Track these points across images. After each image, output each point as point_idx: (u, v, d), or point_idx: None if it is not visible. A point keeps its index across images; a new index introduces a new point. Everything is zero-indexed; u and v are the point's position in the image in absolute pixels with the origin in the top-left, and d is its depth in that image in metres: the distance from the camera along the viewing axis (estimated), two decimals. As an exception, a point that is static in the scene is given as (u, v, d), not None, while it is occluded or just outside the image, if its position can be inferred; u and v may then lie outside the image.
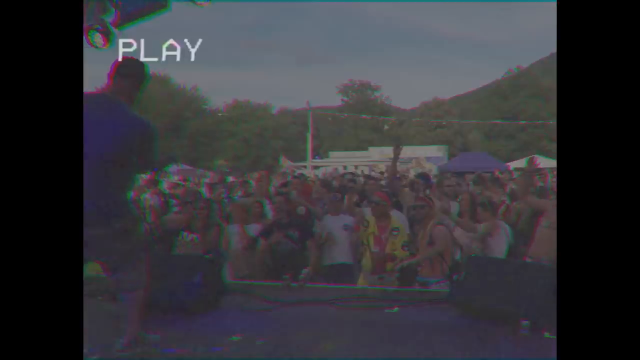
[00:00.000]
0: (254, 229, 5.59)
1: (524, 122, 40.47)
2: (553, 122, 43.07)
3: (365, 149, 40.43)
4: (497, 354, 2.84)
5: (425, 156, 30.32)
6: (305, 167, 29.57)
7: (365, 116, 42.14)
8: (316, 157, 39.11)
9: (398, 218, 5.50)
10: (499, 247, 5.44)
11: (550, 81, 50.53)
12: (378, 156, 31.85)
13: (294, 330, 3.32)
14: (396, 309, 3.73)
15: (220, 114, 48.41)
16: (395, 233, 5.03)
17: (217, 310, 3.76)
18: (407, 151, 30.38)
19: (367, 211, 5.71)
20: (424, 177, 7.31)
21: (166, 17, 3.97)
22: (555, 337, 2.22)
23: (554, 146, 42.07)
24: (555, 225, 4.52)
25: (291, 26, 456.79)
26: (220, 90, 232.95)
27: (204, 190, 9.23)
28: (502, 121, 41.87)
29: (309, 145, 33.08)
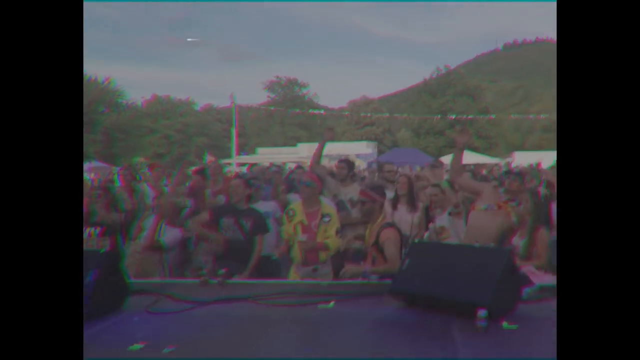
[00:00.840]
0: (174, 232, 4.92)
1: (453, 116, 41.36)
2: (481, 118, 44.93)
3: (294, 145, 39.71)
4: (453, 350, 2.43)
5: (355, 153, 30.25)
6: (230, 164, 28.33)
7: (297, 111, 41.47)
8: (242, 153, 38.00)
9: (328, 204, 4.94)
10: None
11: (476, 80, 52.41)
12: (307, 152, 31.27)
13: (211, 334, 2.75)
14: (332, 303, 3.20)
15: (138, 109, 46.04)
16: (326, 220, 4.55)
17: (116, 315, 3.06)
18: (336, 147, 30.18)
19: (295, 199, 5.41)
20: (347, 162, 6.33)
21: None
22: (515, 326, 2.52)
23: (481, 142, 43.67)
24: (493, 208, 4.74)
25: (217, 23, 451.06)
26: (140, 86, 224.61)
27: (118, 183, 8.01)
28: (430, 115, 42.58)
29: (234, 141, 31.91)
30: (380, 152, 37.67)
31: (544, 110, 49.28)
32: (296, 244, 4.51)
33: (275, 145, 43.57)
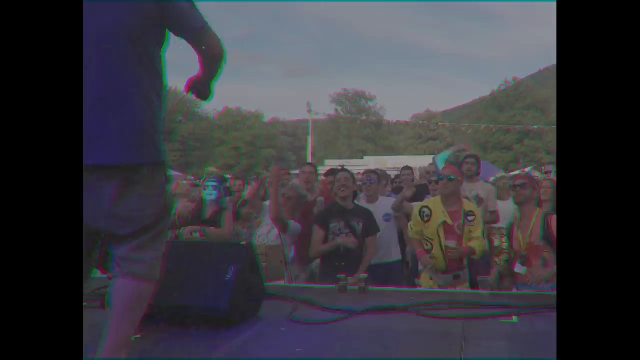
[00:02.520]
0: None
1: (520, 127, 40.15)
2: (551, 132, 43.37)
3: (361, 157, 40.07)
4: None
5: (419, 167, 29.98)
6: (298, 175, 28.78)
7: (362, 118, 41.52)
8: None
9: (468, 200, 4.44)
10: None
11: (547, 92, 50.66)
12: (374, 165, 31.55)
13: (379, 350, 2.38)
14: (515, 318, 2.76)
15: (211, 121, 47.81)
16: (470, 219, 4.04)
17: (254, 322, 2.73)
18: (401, 161, 30.18)
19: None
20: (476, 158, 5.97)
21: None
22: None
23: (550, 158, 42.13)
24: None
25: (282, 39, 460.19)
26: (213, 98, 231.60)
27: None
28: (494, 125, 41.46)
29: (309, 149, 32.39)
30: (445, 167, 37.11)
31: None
32: (439, 249, 3.98)
33: (341, 157, 43.98)
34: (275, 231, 4.44)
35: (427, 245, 4.07)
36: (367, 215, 4.47)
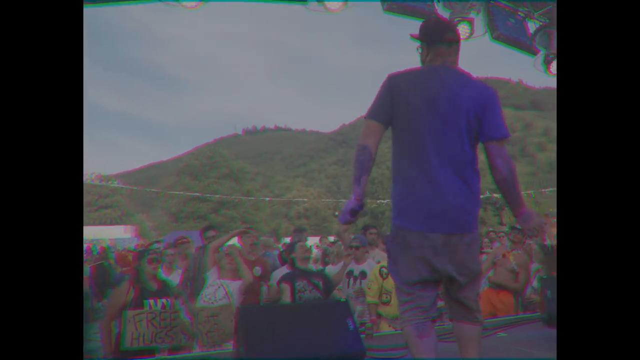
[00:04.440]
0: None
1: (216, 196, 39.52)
2: (246, 202, 44.14)
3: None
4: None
5: (110, 238, 26.33)
6: None
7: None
8: None
9: None
10: None
11: (239, 163, 52.04)
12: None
13: None
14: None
15: None
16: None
17: None
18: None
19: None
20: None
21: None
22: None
23: (246, 225, 42.46)
24: None
25: None
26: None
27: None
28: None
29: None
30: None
31: (296, 196, 51.25)
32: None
33: None
34: (222, 291, 4.71)
35: (386, 297, 4.99)
36: (324, 276, 5.14)
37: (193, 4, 5.41)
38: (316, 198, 50.03)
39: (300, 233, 8.62)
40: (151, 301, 4.27)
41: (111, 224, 39.11)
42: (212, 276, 4.90)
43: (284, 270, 5.34)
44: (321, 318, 3.23)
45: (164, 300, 4.34)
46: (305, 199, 49.06)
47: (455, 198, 2.37)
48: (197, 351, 4.34)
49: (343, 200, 44.76)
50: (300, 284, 4.84)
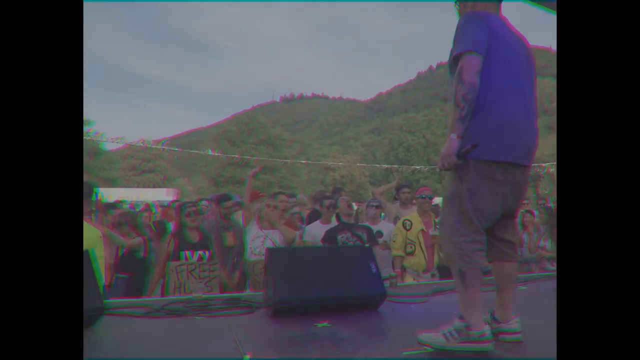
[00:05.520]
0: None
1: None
2: (283, 168, 44.82)
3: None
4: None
5: (154, 200, 26.94)
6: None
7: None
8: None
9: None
10: None
11: (277, 130, 52.55)
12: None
13: None
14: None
15: None
16: (439, 227, 4.58)
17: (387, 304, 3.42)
18: (131, 193, 26.39)
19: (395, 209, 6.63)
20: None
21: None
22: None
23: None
24: None
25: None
26: None
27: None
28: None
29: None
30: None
31: (332, 160, 51.52)
32: (420, 250, 5.24)
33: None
34: (269, 241, 4.88)
35: (410, 248, 5.30)
36: (368, 229, 5.17)
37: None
38: (352, 164, 50.20)
39: (338, 193, 8.57)
40: (187, 253, 4.39)
41: (154, 187, 40.31)
42: (252, 228, 5.04)
43: (317, 225, 5.42)
44: (346, 261, 3.36)
45: (200, 252, 4.44)
46: (341, 163, 49.28)
47: (536, 131, 2.45)
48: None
49: (377, 166, 45.02)
50: (343, 235, 4.87)
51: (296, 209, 6.72)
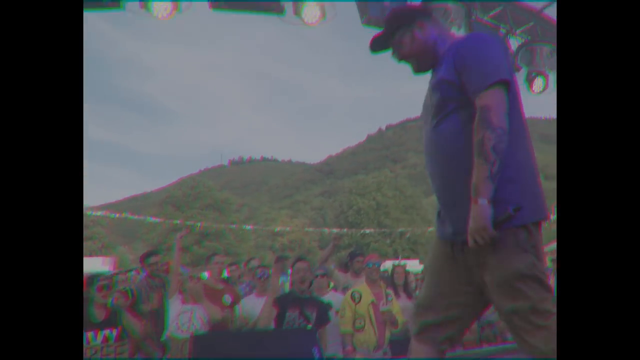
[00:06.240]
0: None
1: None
2: (230, 234, 43.53)
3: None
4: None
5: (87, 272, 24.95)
6: None
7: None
8: None
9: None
10: None
11: (225, 193, 51.54)
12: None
13: None
14: None
15: None
16: (390, 298, 4.97)
17: None
18: None
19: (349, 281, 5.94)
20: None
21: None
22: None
23: (230, 258, 41.87)
24: None
25: None
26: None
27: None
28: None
29: None
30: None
31: (282, 230, 50.87)
32: (370, 325, 4.80)
33: None
34: (197, 317, 4.45)
35: (359, 323, 4.84)
36: (321, 306, 4.75)
37: (165, 13, 5.23)
38: (300, 229, 49.60)
39: (282, 262, 8.30)
40: (90, 334, 3.97)
41: (90, 255, 38.26)
42: (175, 302, 4.66)
43: (252, 298, 5.18)
44: (285, 347, 3.06)
45: (106, 331, 4.03)
46: (288, 228, 48.61)
47: None
48: None
49: (327, 231, 44.42)
50: (291, 314, 4.53)
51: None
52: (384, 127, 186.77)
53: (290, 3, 5.43)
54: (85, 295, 4.17)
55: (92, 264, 31.19)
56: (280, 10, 5.37)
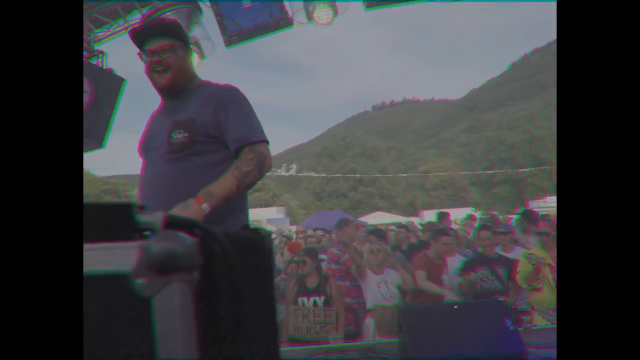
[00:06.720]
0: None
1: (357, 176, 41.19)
2: (383, 179, 45.64)
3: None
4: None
5: (266, 219, 28.75)
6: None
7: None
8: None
9: None
10: None
11: (373, 140, 53.59)
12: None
13: None
14: None
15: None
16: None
17: None
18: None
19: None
20: None
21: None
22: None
23: (384, 202, 44.22)
24: None
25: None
26: None
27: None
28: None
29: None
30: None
31: (431, 169, 50.93)
32: (547, 287, 4.74)
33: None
34: (384, 287, 4.85)
35: (538, 284, 4.80)
36: (509, 263, 5.13)
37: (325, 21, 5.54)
38: (452, 169, 49.20)
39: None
40: (304, 299, 4.56)
41: (264, 205, 42.67)
42: (368, 273, 5.00)
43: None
44: (479, 318, 3.23)
45: (315, 297, 4.56)
46: (442, 173, 48.11)
47: None
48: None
49: (480, 171, 43.87)
50: (482, 272, 4.99)
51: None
52: (528, 53, 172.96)
53: (302, 10, 5.46)
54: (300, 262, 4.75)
55: (269, 213, 35.46)
56: (289, 24, 5.44)
